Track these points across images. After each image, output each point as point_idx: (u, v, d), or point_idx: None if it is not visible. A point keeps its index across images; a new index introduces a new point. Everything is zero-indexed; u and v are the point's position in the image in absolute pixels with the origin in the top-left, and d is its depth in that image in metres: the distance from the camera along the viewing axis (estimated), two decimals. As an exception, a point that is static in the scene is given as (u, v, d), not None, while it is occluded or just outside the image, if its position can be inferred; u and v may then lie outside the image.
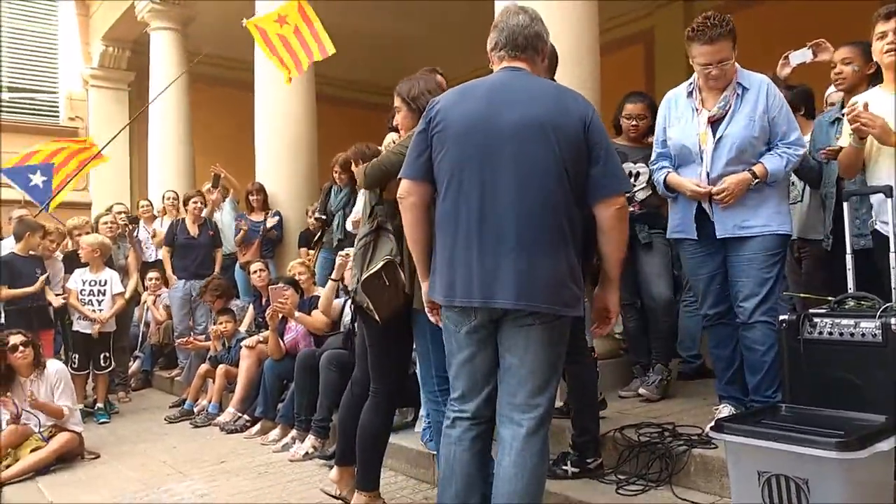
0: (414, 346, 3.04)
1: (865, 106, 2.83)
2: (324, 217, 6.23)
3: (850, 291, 2.80)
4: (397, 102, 2.98)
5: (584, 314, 2.51)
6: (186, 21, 9.61)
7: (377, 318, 2.83)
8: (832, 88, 3.68)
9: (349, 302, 3.22)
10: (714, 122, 3.06)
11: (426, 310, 2.49)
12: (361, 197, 4.98)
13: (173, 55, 9.46)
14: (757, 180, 2.99)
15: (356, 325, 3.29)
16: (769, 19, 8.01)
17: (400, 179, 2.39)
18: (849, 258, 2.87)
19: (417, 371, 3.59)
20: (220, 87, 11.19)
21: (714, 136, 3.05)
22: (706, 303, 3.26)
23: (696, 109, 3.12)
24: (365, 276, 2.82)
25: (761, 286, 3.02)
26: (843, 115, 3.28)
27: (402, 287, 2.81)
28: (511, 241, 2.11)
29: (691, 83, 3.16)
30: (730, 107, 3.04)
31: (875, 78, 3.19)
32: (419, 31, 10.00)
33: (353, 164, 5.44)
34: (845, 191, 3.10)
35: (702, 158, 3.08)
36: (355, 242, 3.06)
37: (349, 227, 5.50)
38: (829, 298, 2.76)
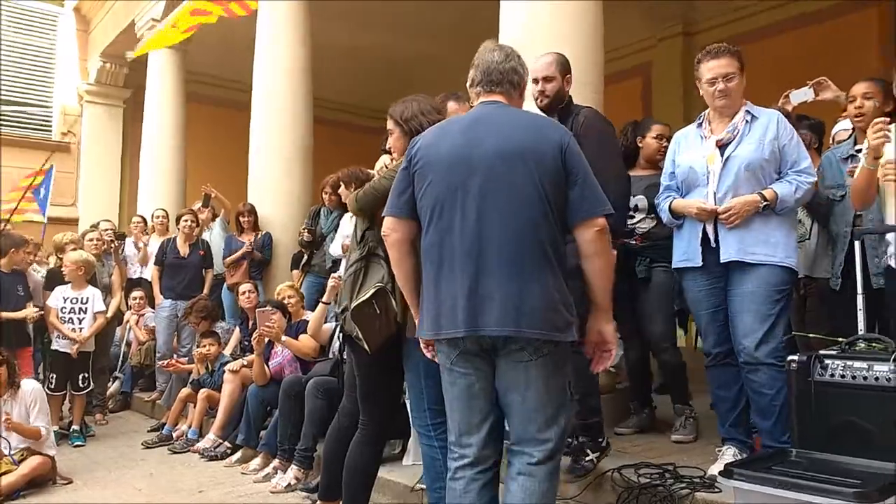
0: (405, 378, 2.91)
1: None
2: (310, 240, 6.14)
3: (860, 332, 2.70)
4: (390, 125, 2.88)
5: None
6: (185, 40, 9.54)
7: (367, 348, 2.71)
8: (839, 125, 3.62)
9: (339, 329, 3.09)
10: (722, 146, 3.04)
11: (422, 346, 2.42)
12: (349, 221, 4.89)
13: (171, 73, 9.36)
14: (766, 203, 2.92)
15: (345, 354, 3.15)
16: (771, 52, 8.03)
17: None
18: (860, 298, 2.76)
19: (407, 401, 3.46)
20: (215, 106, 11.16)
21: (722, 157, 3.02)
22: (708, 341, 3.16)
23: (704, 137, 3.12)
24: (355, 304, 2.71)
25: (762, 322, 2.91)
26: (856, 151, 3.23)
27: (394, 316, 2.70)
28: (495, 268, 2.09)
29: (701, 116, 3.18)
30: (738, 131, 3.02)
31: (892, 117, 3.14)
32: (416, 52, 9.98)
33: (343, 187, 5.42)
34: (858, 229, 3.01)
35: (708, 180, 3.04)
36: (344, 268, 2.94)
37: (333, 251, 5.39)
38: (840, 340, 2.66)
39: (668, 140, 3.97)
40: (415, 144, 2.32)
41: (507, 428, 2.28)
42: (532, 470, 2.15)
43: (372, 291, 2.68)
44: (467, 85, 2.39)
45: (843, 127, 3.69)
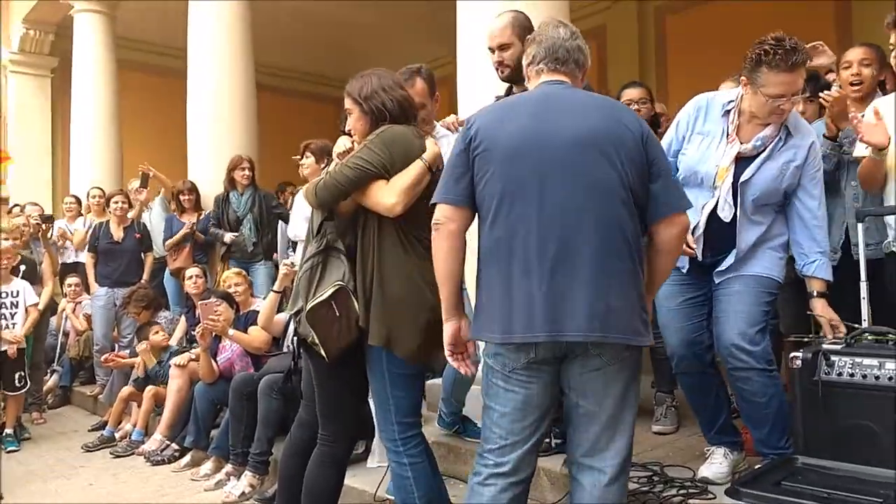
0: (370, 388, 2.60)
1: (876, 112, 2.51)
2: (219, 231, 5.92)
3: (865, 324, 2.49)
4: (348, 104, 2.54)
5: None
6: (114, 3, 8.88)
7: (325, 355, 2.40)
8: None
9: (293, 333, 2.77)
10: (741, 159, 2.62)
11: (448, 355, 2.17)
12: (300, 207, 4.52)
13: (99, 40, 8.71)
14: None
15: (300, 361, 2.82)
16: (726, 18, 7.87)
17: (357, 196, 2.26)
18: (863, 286, 2.55)
19: (371, 406, 3.17)
20: (150, 75, 10.47)
21: (733, 177, 2.61)
22: (672, 339, 2.83)
23: (728, 135, 2.64)
24: (311, 304, 2.39)
25: (751, 326, 2.61)
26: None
27: (356, 319, 2.39)
28: (579, 267, 1.90)
29: (732, 101, 2.67)
30: (765, 148, 2.60)
31: (883, 84, 2.93)
32: (369, 17, 9.51)
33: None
34: (860, 210, 2.77)
35: (713, 194, 2.66)
36: (299, 263, 2.60)
37: (290, 234, 5.04)
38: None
39: (639, 104, 3.70)
40: (471, 124, 2.07)
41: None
42: (605, 493, 1.99)
43: (331, 291, 2.37)
44: (524, 62, 2.18)
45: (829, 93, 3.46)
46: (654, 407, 3.68)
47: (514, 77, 3.01)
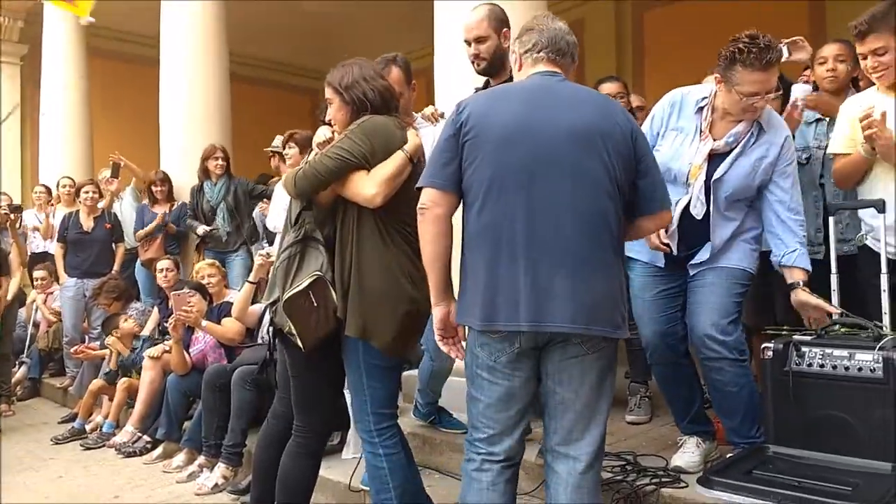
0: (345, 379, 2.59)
1: (883, 116, 2.53)
2: (193, 223, 5.91)
3: (836, 316, 2.52)
4: (329, 93, 2.51)
5: None
6: (84, -11, 8.71)
7: (301, 345, 2.38)
8: (800, 87, 3.43)
9: (269, 323, 2.74)
10: (714, 156, 2.62)
11: (438, 339, 2.15)
12: (279, 197, 4.48)
13: (70, 27, 8.51)
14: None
15: (275, 352, 2.80)
16: (703, 15, 7.94)
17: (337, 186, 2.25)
18: (833, 278, 2.59)
19: (347, 398, 3.15)
20: (121, 63, 10.30)
21: (706, 174, 2.62)
22: (647, 328, 2.84)
23: (702, 132, 2.64)
24: (288, 294, 2.36)
25: (724, 317, 2.62)
26: (821, 116, 3.05)
27: (333, 309, 2.37)
28: (565, 257, 1.92)
29: (706, 98, 2.66)
30: (738, 144, 2.60)
31: (856, 81, 2.96)
32: (346, 7, 9.44)
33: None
34: (832, 203, 2.81)
35: (686, 191, 2.66)
36: (276, 253, 2.57)
37: (270, 224, 5.02)
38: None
39: (617, 97, 3.71)
40: (462, 109, 2.05)
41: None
42: (580, 481, 2.00)
43: (309, 281, 2.35)
44: (520, 49, 2.15)
45: (804, 88, 3.50)
46: (627, 397, 3.71)
47: (489, 70, 3.03)
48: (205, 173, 5.92)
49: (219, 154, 5.86)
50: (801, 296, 2.55)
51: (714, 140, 2.61)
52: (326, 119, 2.63)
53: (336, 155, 2.33)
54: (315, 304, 2.35)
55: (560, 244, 1.91)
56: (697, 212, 2.65)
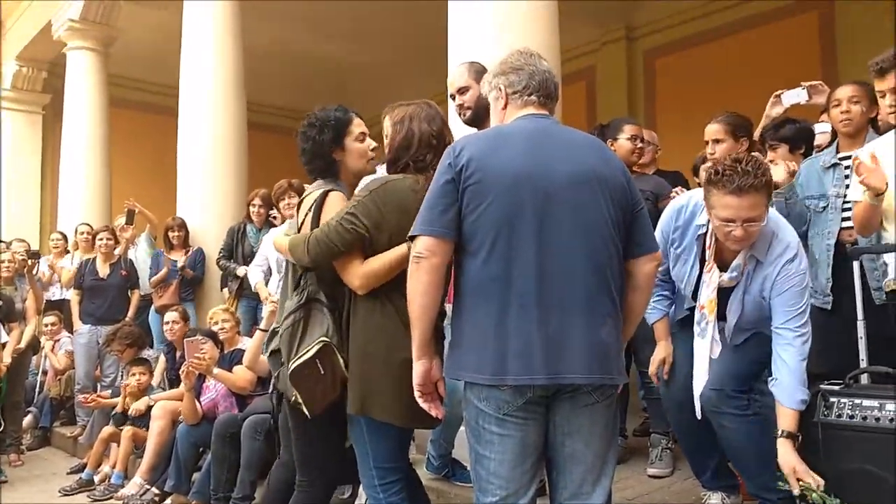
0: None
1: (873, 157, 2.49)
2: (230, 265, 5.67)
3: (863, 365, 2.43)
4: (385, 124, 2.42)
5: None
6: (108, 42, 8.94)
7: (307, 413, 2.31)
8: (818, 128, 3.39)
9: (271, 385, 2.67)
10: (721, 290, 2.52)
11: (416, 395, 2.03)
12: (270, 243, 4.39)
13: (92, 76, 8.75)
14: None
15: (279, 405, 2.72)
16: (714, 57, 8.01)
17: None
18: (860, 325, 2.51)
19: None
20: (142, 112, 10.52)
21: (718, 306, 2.53)
22: (673, 385, 2.79)
23: (706, 262, 2.53)
24: (294, 364, 2.27)
25: (733, 376, 2.55)
26: (840, 160, 3.00)
27: (341, 375, 2.29)
28: (578, 305, 1.87)
29: (703, 226, 2.54)
30: (742, 277, 2.48)
31: (874, 122, 2.92)
32: (364, 56, 9.62)
33: (275, 203, 5.01)
34: (854, 248, 2.74)
35: (704, 327, 2.56)
36: (280, 319, 2.44)
37: (252, 278, 5.01)
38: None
39: (642, 140, 3.70)
40: (459, 152, 1.95)
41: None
42: None
43: (316, 348, 2.26)
44: (508, 89, 2.07)
45: (821, 130, 3.46)
46: (648, 449, 3.59)
47: (475, 119, 3.08)
48: (248, 217, 5.79)
49: (257, 201, 5.68)
50: (789, 456, 2.29)
51: (720, 269, 2.51)
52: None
53: (352, 227, 2.22)
54: (322, 373, 2.26)
55: (572, 293, 1.86)
56: (714, 354, 2.54)
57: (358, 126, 2.55)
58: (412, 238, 1.96)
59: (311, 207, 2.43)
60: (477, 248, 1.90)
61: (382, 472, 2.34)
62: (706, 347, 2.52)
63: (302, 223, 2.46)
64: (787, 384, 2.34)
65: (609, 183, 1.94)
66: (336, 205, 2.38)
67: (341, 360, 2.27)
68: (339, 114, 2.52)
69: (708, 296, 2.51)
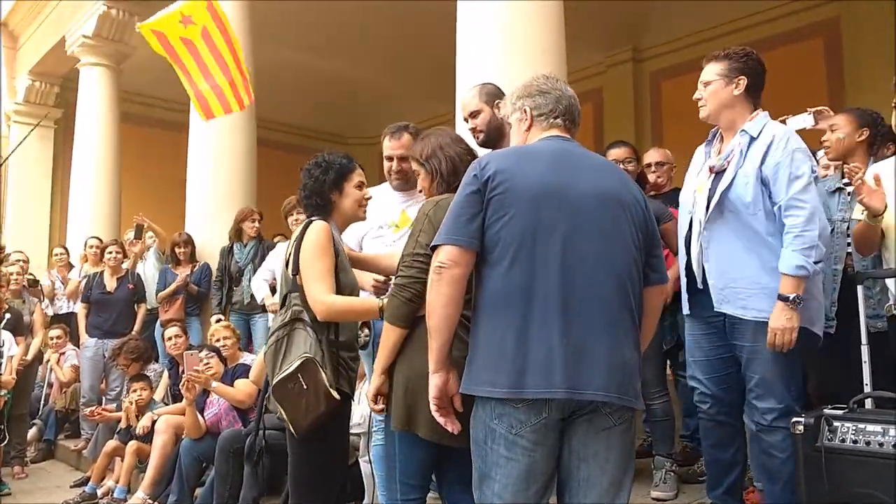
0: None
1: (876, 178, 2.52)
2: (220, 284, 5.88)
3: (867, 390, 2.43)
4: (415, 166, 2.51)
5: None
6: (120, 58, 9.05)
7: (293, 430, 2.35)
8: (820, 153, 3.42)
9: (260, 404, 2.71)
10: (716, 173, 2.62)
11: (433, 408, 1.99)
12: (276, 256, 4.42)
13: (104, 92, 8.85)
14: (794, 297, 2.39)
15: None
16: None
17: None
18: (864, 350, 2.51)
19: (363, 466, 3.08)
20: (152, 127, 10.63)
21: (710, 188, 2.61)
22: (699, 388, 2.74)
23: (709, 155, 2.72)
24: (276, 379, 2.33)
25: (772, 385, 2.49)
26: (843, 184, 3.02)
27: (325, 391, 2.31)
28: (601, 321, 1.85)
29: (715, 131, 2.77)
30: (732, 158, 2.58)
31: (875, 143, 2.95)
32: (371, 75, 9.70)
33: (285, 217, 5.11)
34: (858, 273, 2.75)
35: (695, 207, 2.67)
36: (267, 338, 2.53)
37: (255, 287, 5.20)
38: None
39: (625, 163, 3.69)
40: (485, 165, 1.95)
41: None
42: None
43: (297, 364, 2.31)
44: (533, 112, 2.10)
45: (822, 154, 3.49)
46: (652, 471, 3.57)
47: (488, 141, 3.10)
48: (237, 234, 5.92)
49: (255, 217, 5.90)
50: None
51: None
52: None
53: (421, 263, 2.16)
54: (305, 387, 2.31)
55: (595, 305, 1.85)
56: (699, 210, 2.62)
57: (359, 175, 2.67)
58: (434, 248, 1.95)
59: (295, 238, 2.52)
60: (499, 259, 1.89)
61: (406, 488, 2.32)
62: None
63: (289, 255, 2.53)
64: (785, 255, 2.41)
65: (630, 207, 1.97)
66: (318, 233, 2.45)
67: (324, 376, 2.30)
68: (345, 161, 2.64)
69: (699, 183, 2.65)
